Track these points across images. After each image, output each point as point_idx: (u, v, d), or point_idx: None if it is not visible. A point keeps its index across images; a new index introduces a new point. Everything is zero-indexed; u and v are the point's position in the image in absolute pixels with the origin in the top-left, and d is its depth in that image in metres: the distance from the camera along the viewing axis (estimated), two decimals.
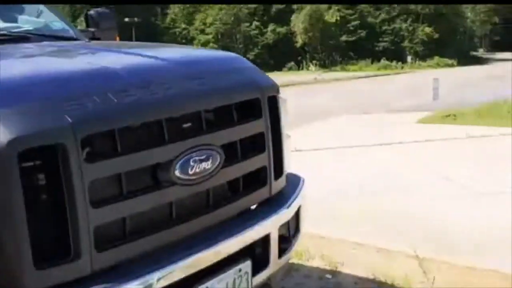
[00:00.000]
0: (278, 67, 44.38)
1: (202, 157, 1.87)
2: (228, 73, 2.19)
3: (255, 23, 51.16)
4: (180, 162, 1.80)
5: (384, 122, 10.20)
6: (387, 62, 46.98)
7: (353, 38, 49.18)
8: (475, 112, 9.81)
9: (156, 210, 1.79)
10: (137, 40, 22.31)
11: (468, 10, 55.70)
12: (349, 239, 3.77)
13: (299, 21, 48.59)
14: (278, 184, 2.29)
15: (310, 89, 22.69)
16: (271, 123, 2.21)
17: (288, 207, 2.25)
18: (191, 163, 1.83)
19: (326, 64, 47.67)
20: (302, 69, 47.87)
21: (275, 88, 2.32)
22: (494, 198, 4.80)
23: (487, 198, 4.82)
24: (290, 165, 2.47)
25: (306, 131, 8.71)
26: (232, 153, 2.04)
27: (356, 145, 7.59)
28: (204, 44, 49.39)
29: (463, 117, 9.33)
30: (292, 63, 48.91)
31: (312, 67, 47.04)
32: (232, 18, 50.71)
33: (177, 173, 1.79)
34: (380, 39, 49.42)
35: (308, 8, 47.88)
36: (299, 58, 49.25)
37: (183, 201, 1.87)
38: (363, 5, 49.58)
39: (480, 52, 60.15)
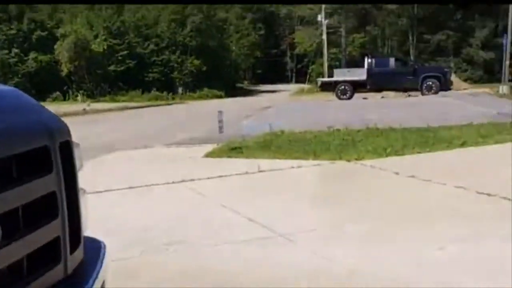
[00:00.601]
0: (42, 97, 41.98)
1: None
2: (3, 113, 1.60)
3: (15, 50, 48.05)
4: None
5: (170, 157, 9.63)
6: (157, 93, 47.35)
7: (122, 68, 48.72)
8: (258, 144, 9.86)
9: None
10: None
11: (233, 44, 59.06)
12: None
13: (63, 49, 46.72)
14: (75, 258, 1.74)
15: (80, 121, 21.47)
16: (65, 178, 1.67)
17: None
18: None
19: (94, 94, 46.46)
20: (69, 99, 46.17)
21: (67, 131, 1.79)
22: (304, 237, 4.54)
23: (293, 238, 4.52)
24: (87, 226, 1.94)
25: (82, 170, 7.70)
26: (12, 225, 1.46)
27: (143, 184, 6.88)
28: None
29: (249, 150, 9.26)
30: (58, 93, 46.94)
31: (79, 97, 45.56)
32: None
33: None
34: (150, 70, 49.64)
35: (73, 36, 46.36)
36: (65, 88, 47.40)
37: None
38: (131, 36, 49.51)
39: (245, 84, 64.16)
